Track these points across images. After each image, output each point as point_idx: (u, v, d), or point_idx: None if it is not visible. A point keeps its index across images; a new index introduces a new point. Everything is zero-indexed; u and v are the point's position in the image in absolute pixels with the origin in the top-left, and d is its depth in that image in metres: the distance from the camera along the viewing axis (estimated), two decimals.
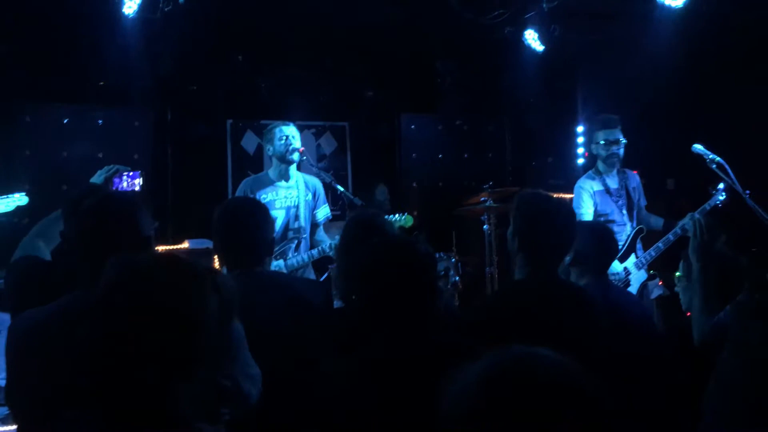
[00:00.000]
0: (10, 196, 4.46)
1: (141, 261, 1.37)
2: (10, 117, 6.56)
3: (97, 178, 3.05)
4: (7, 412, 4.76)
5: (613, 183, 4.70)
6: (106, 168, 3.09)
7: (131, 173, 3.18)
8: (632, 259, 4.49)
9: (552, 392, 0.93)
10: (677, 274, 3.25)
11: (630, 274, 4.44)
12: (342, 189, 4.32)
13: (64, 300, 1.89)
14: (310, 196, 4.47)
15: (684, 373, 2.86)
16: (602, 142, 4.63)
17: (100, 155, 6.66)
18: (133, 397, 1.27)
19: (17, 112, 6.59)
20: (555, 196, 2.75)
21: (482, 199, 5.69)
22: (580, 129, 7.39)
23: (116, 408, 1.26)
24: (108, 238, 1.90)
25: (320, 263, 4.71)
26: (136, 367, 1.26)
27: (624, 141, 4.63)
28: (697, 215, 4.21)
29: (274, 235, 4.24)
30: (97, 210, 1.98)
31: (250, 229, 2.51)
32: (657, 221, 4.70)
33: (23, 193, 4.54)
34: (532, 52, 6.50)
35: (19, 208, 4.54)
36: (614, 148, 4.62)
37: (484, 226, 5.76)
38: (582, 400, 0.94)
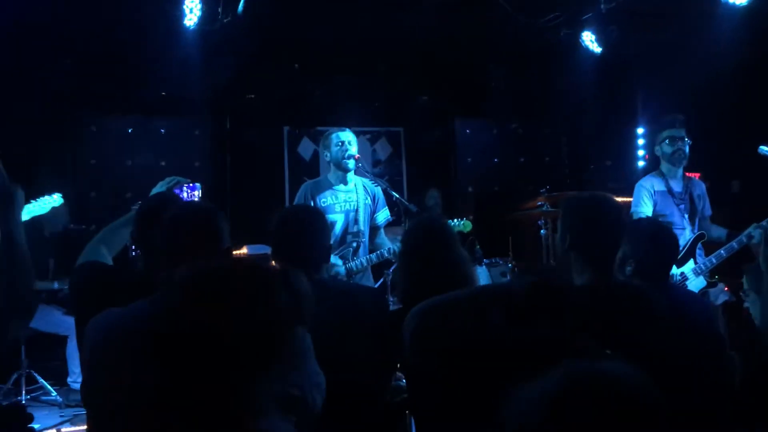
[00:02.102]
0: (46, 197, 4.60)
1: (215, 265, 1.42)
2: (76, 127, 6.82)
3: (158, 189, 3.11)
4: (75, 413, 4.94)
5: (677, 186, 4.57)
6: (167, 179, 3.15)
7: (191, 185, 3.24)
8: (690, 264, 4.36)
9: (624, 409, 0.92)
10: (743, 280, 3.15)
11: (687, 279, 4.31)
12: (397, 195, 4.31)
13: (142, 302, 1.95)
14: (369, 200, 4.48)
15: (754, 382, 2.76)
16: (667, 141, 4.55)
17: (163, 163, 6.87)
18: (211, 397, 1.31)
19: (83, 123, 6.85)
20: (600, 194, 2.69)
21: (539, 203, 5.63)
22: (640, 131, 7.24)
23: (194, 409, 1.31)
24: (191, 244, 1.96)
25: (376, 268, 4.73)
26: (214, 367, 1.31)
27: (689, 141, 4.53)
28: (765, 223, 4.11)
29: (334, 238, 4.30)
30: (181, 218, 2.05)
31: (308, 236, 2.54)
32: (720, 232, 4.54)
33: (60, 195, 4.68)
34: (589, 53, 6.40)
35: (54, 209, 4.67)
36: (679, 144, 4.52)
37: (541, 231, 5.69)
38: (654, 419, 0.93)
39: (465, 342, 1.81)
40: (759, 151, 4.23)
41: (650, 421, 0.93)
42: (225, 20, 5.54)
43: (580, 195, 2.59)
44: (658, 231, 3.01)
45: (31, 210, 4.52)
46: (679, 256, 4.37)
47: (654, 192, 4.54)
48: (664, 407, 0.94)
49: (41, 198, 4.62)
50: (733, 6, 5.48)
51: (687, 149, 4.54)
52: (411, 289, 2.56)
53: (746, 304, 3.18)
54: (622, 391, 0.95)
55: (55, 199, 4.67)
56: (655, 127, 4.80)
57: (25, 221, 4.23)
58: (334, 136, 4.42)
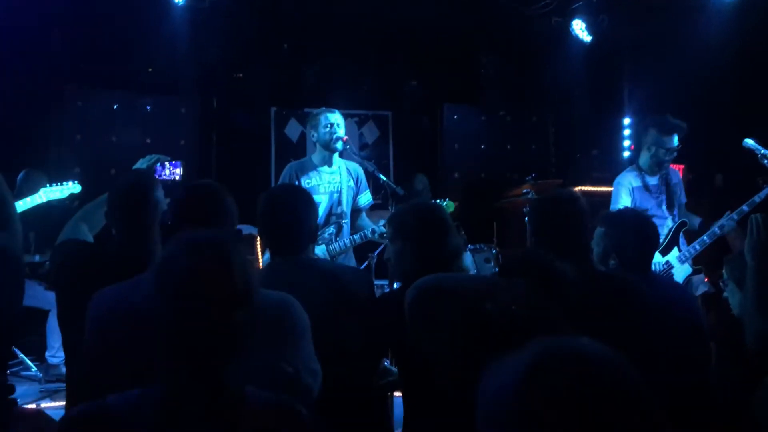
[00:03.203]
0: (64, 183, 4.61)
1: (200, 236, 1.42)
2: (62, 102, 6.73)
3: (139, 166, 3.09)
4: (55, 388, 4.93)
5: (652, 180, 4.63)
6: (148, 157, 3.14)
7: (173, 162, 3.22)
8: (675, 252, 4.42)
9: (602, 384, 0.92)
10: (723, 270, 3.19)
11: (672, 267, 4.37)
12: (384, 178, 4.33)
13: (142, 277, 1.95)
14: (352, 182, 4.51)
15: (733, 371, 2.80)
16: (664, 148, 4.52)
17: (148, 141, 6.80)
18: (192, 373, 1.32)
19: (69, 98, 6.75)
20: (558, 191, 2.80)
21: (525, 191, 5.65)
22: (626, 122, 7.27)
23: (175, 383, 1.32)
24: (200, 222, 1.97)
25: (360, 251, 4.74)
26: (195, 341, 1.32)
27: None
28: (735, 216, 4.20)
29: (318, 220, 4.32)
30: (191, 196, 2.05)
31: (294, 216, 2.53)
32: (694, 221, 4.62)
33: (76, 181, 4.69)
34: (579, 42, 6.42)
35: (72, 195, 4.70)
36: (673, 155, 4.57)
37: (526, 218, 5.72)
38: (633, 394, 0.93)
39: (460, 317, 1.83)
40: (743, 144, 4.27)
41: (627, 399, 0.93)
42: None
43: (539, 197, 2.69)
44: (639, 222, 3.05)
45: (49, 195, 4.56)
46: (663, 245, 4.44)
47: (632, 188, 4.60)
48: (642, 387, 0.95)
49: (61, 185, 4.65)
50: (723, 0, 5.50)
51: None
52: (412, 270, 2.57)
53: (725, 294, 3.22)
54: (598, 366, 0.95)
55: (72, 187, 4.70)
56: (645, 116, 4.80)
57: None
58: (322, 117, 4.42)
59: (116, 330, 1.84)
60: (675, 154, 4.58)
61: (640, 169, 4.65)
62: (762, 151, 4.19)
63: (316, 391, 1.82)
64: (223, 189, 2.13)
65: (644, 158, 4.65)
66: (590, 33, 6.28)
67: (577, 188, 6.51)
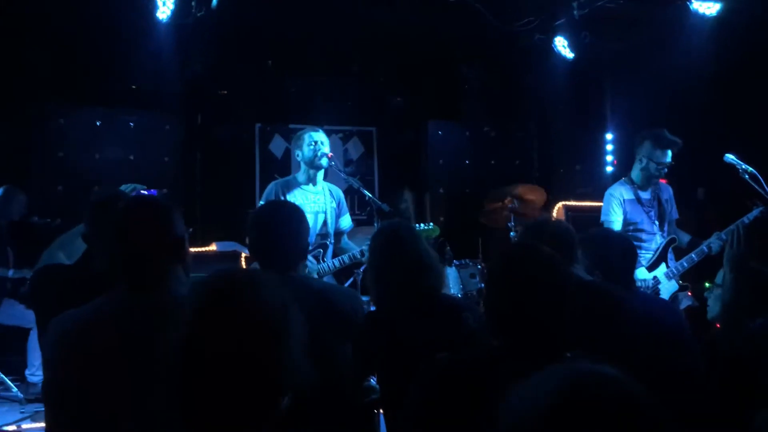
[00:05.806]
0: None
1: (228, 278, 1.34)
2: (44, 119, 6.68)
3: None
4: (36, 409, 4.84)
5: (645, 194, 4.63)
6: (124, 186, 3.15)
7: (150, 190, 3.24)
8: (662, 268, 4.44)
9: (624, 412, 0.92)
10: (707, 285, 3.21)
11: (659, 283, 4.39)
12: (370, 195, 4.34)
13: (100, 300, 1.93)
14: (334, 204, 4.53)
15: (716, 383, 2.82)
16: (656, 164, 4.52)
17: (131, 158, 6.77)
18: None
19: (51, 115, 6.71)
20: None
21: (509, 206, 5.69)
22: (609, 137, 7.34)
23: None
24: (142, 239, 1.94)
25: (346, 267, 4.73)
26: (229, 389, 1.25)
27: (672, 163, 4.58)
28: (724, 236, 4.23)
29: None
30: (132, 211, 2.02)
31: (286, 233, 2.52)
32: (684, 237, 4.64)
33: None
34: (561, 58, 6.47)
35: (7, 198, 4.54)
36: (664, 171, 4.56)
37: (511, 233, 5.75)
38: (650, 423, 0.94)
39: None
40: (725, 159, 4.32)
41: (649, 426, 0.93)
42: (198, 14, 5.49)
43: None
44: (610, 238, 3.09)
45: None
46: (652, 261, 4.46)
47: (623, 201, 4.59)
48: (662, 413, 0.95)
49: None
50: (703, 16, 5.59)
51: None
52: (382, 293, 2.58)
53: (708, 299, 3.23)
54: (622, 393, 0.95)
55: None
56: (628, 130, 4.83)
57: None
58: (306, 135, 4.44)
59: (72, 355, 1.82)
60: (665, 170, 4.55)
61: (632, 182, 4.64)
62: (742, 166, 4.24)
63: (286, 403, 1.80)
64: (167, 203, 2.09)
65: (636, 171, 4.65)
66: (572, 50, 6.34)
67: (561, 203, 6.55)
